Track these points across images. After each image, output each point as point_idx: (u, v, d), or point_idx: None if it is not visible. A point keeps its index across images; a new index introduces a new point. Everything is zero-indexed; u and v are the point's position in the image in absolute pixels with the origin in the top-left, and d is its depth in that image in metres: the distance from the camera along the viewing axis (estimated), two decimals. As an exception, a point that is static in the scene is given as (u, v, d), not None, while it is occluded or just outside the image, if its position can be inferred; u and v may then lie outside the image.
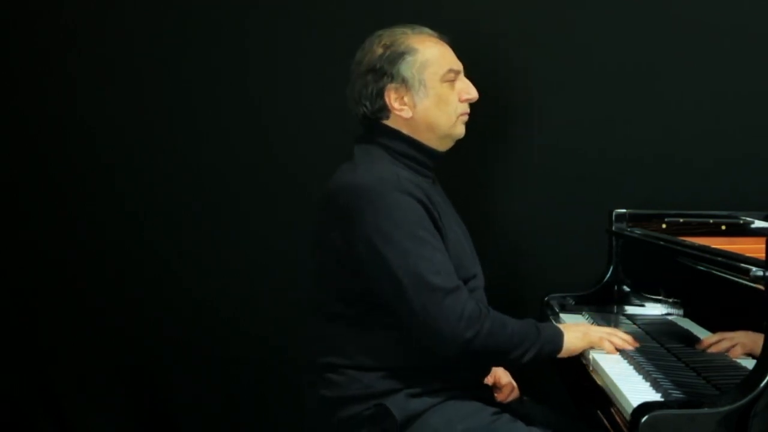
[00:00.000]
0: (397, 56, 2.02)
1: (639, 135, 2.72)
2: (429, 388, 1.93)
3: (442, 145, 2.09)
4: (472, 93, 2.08)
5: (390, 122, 2.05)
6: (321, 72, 2.90)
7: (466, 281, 1.96)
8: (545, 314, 2.46)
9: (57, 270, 3.15)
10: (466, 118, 2.09)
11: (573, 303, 2.50)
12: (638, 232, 2.44)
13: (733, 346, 1.80)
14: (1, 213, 3.17)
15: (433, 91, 2.03)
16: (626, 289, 2.48)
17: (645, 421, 1.51)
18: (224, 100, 3.02)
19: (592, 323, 2.28)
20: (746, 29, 2.64)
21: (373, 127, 2.06)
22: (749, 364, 1.67)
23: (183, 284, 3.08)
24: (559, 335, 1.98)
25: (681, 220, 2.48)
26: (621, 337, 2.02)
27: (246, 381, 3.06)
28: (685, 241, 2.13)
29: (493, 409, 1.96)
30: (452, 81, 2.06)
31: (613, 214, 2.53)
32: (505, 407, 2.09)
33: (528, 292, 2.71)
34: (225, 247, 3.05)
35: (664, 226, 2.47)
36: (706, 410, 1.53)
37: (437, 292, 1.83)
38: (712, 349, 1.86)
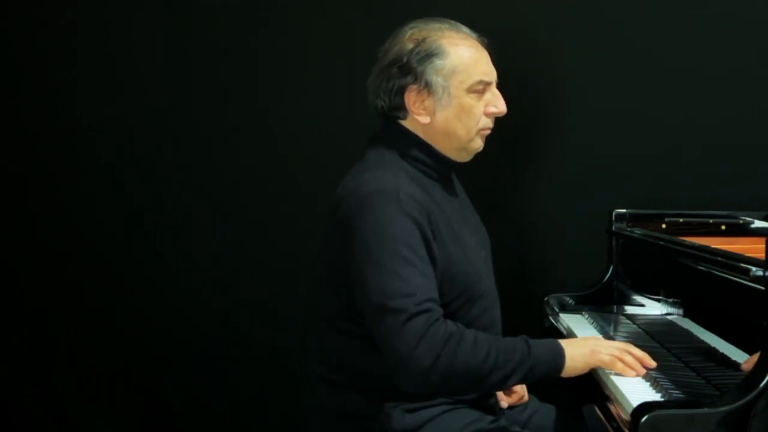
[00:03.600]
0: (425, 56, 1.88)
1: (639, 135, 2.73)
2: (427, 402, 1.88)
3: (458, 157, 1.97)
4: (500, 107, 1.94)
5: (407, 123, 1.94)
6: (329, 75, 2.91)
7: (472, 302, 1.88)
8: (545, 314, 2.46)
9: (58, 270, 3.15)
10: (487, 132, 1.96)
11: (573, 303, 2.50)
12: (638, 232, 2.44)
13: None
14: (3, 212, 3.17)
15: (456, 100, 1.90)
16: (626, 289, 2.49)
17: (645, 421, 1.51)
18: (232, 105, 3.01)
19: (600, 332, 2.18)
20: (749, 29, 2.64)
21: (390, 126, 1.96)
22: (749, 364, 1.67)
23: (185, 285, 3.08)
24: (558, 354, 1.79)
25: (681, 220, 2.48)
26: (635, 355, 1.83)
27: (247, 382, 3.06)
28: (685, 241, 2.13)
29: (490, 418, 1.94)
30: (480, 92, 1.91)
31: (613, 214, 2.53)
32: (507, 413, 2.08)
33: (528, 292, 2.71)
34: (227, 249, 3.04)
35: (664, 226, 2.47)
36: (706, 410, 1.52)
37: (401, 314, 1.70)
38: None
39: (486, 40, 1.96)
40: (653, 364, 1.83)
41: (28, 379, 3.21)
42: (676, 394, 1.70)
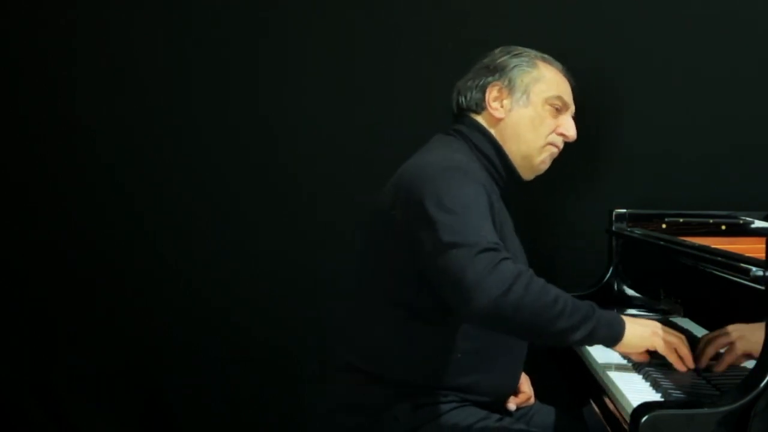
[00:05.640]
0: (515, 61, 2.04)
1: (639, 135, 2.72)
2: (436, 399, 1.89)
3: (521, 167, 2.05)
4: (571, 132, 2.05)
5: (480, 118, 2.04)
6: (329, 75, 2.90)
7: None
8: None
9: (58, 270, 3.15)
10: (554, 151, 2.06)
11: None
12: (638, 232, 2.44)
13: (730, 344, 1.77)
14: (3, 213, 3.17)
15: (533, 106, 2.02)
16: (626, 289, 2.48)
17: (645, 421, 1.51)
18: (232, 105, 3.00)
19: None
20: (749, 29, 2.64)
21: (463, 120, 2.04)
22: (749, 364, 1.67)
23: (185, 285, 3.07)
24: (620, 324, 1.78)
25: (681, 220, 2.48)
26: (684, 353, 1.81)
27: (247, 382, 3.06)
28: (685, 241, 2.13)
29: (497, 416, 1.94)
30: (557, 109, 2.04)
31: (613, 214, 2.54)
32: (512, 414, 2.08)
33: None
34: (227, 249, 3.04)
35: (664, 226, 2.48)
36: (706, 410, 1.52)
37: (473, 247, 1.68)
38: (708, 353, 1.82)
39: (573, 80, 2.12)
40: (692, 366, 1.81)
41: (28, 379, 3.21)
42: (676, 394, 1.70)
